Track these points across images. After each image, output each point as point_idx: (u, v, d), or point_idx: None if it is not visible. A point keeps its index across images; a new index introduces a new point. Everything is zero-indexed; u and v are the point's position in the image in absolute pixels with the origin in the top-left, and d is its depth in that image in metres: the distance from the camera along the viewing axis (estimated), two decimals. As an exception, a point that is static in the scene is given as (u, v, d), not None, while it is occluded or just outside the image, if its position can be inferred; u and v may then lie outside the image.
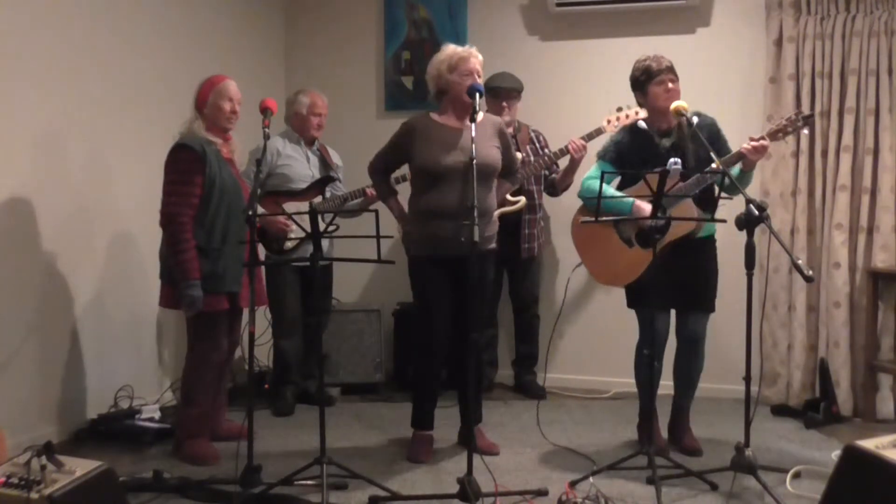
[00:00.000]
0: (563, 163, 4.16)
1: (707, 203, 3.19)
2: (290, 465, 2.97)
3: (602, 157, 3.41)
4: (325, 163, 4.17)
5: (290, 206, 3.84)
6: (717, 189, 3.01)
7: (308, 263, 3.94)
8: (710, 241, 3.35)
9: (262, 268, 3.85)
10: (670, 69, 3.27)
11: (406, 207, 3.37)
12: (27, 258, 3.37)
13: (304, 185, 4.01)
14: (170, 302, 3.28)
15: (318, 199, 4.03)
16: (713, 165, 3.04)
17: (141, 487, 2.87)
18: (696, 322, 3.31)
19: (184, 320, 3.36)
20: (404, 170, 3.56)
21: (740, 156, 3.08)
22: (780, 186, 4.21)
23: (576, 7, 4.54)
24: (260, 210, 3.82)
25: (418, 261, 3.26)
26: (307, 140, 4.14)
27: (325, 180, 4.08)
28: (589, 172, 3.43)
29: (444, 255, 3.14)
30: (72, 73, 3.54)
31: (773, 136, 3.10)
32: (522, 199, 4.11)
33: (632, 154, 3.33)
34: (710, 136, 3.22)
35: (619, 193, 3.28)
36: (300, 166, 4.06)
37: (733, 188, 3.07)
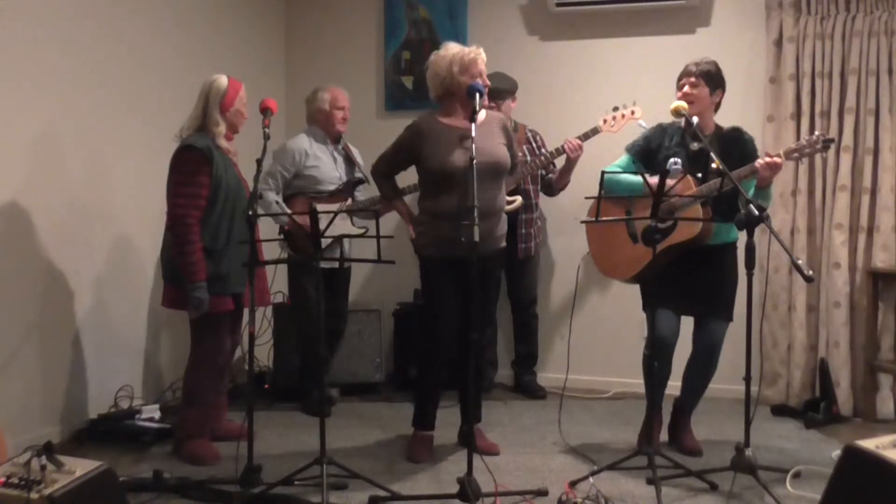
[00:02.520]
0: (560, 162, 4.17)
1: (725, 211, 3.17)
2: (290, 465, 2.97)
3: (629, 149, 3.42)
4: (350, 162, 4.17)
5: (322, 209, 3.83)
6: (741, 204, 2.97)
7: (336, 265, 3.97)
8: (730, 247, 3.33)
9: (265, 268, 3.85)
10: (692, 73, 3.25)
11: (412, 208, 3.37)
12: (27, 259, 3.37)
13: (332, 187, 4.01)
14: (173, 302, 3.28)
15: (349, 202, 4.02)
16: (713, 165, 3.03)
17: (141, 487, 2.86)
18: (714, 331, 3.29)
19: (185, 320, 3.35)
20: (413, 179, 3.55)
21: (753, 170, 3.05)
22: (780, 186, 4.21)
23: (576, 7, 4.54)
24: (284, 209, 3.83)
25: (431, 262, 3.24)
26: (333, 137, 4.12)
27: (355, 183, 4.08)
28: (616, 162, 3.42)
29: (458, 256, 3.12)
30: (70, 74, 3.54)
31: (790, 154, 3.07)
32: (518, 199, 4.10)
33: (659, 151, 3.32)
34: (743, 151, 3.20)
35: (634, 178, 3.27)
36: (328, 167, 4.04)
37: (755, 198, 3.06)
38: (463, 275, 3.11)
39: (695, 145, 3.27)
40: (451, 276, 3.18)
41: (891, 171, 3.99)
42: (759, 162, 3.04)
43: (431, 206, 3.20)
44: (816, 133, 3.08)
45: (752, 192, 3.10)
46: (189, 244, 3.14)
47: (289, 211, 3.87)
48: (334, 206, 3.70)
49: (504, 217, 3.30)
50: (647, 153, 3.35)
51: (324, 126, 4.11)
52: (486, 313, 3.48)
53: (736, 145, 3.24)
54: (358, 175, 4.14)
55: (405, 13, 4.93)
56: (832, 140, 3.08)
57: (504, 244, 3.33)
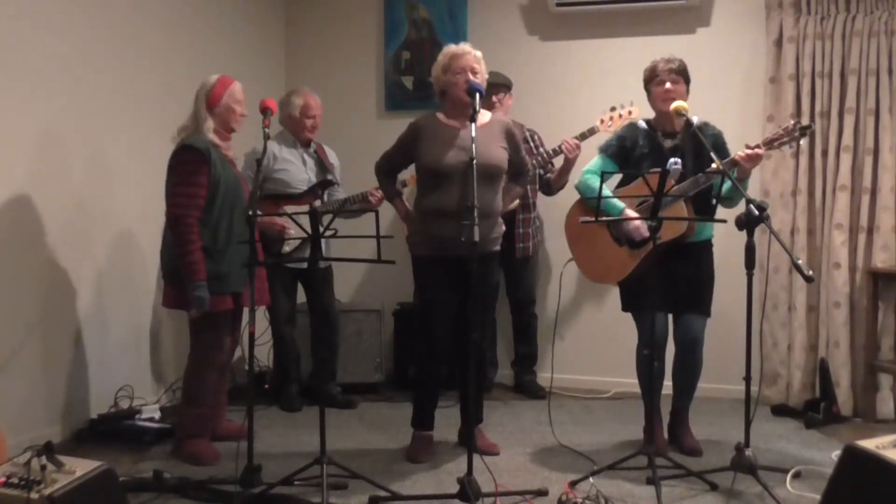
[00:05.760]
0: (559, 162, 4.17)
1: (705, 208, 3.18)
2: (290, 465, 2.97)
3: (604, 150, 3.41)
4: (321, 165, 4.15)
5: (288, 210, 3.84)
6: (716, 193, 3.01)
7: (305, 266, 3.99)
8: (706, 244, 3.35)
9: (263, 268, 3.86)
10: (673, 70, 3.25)
11: (410, 207, 3.37)
12: (28, 258, 3.37)
13: (301, 190, 4.01)
14: (173, 302, 3.28)
15: (317, 203, 4.02)
16: (713, 166, 3.04)
17: (141, 487, 2.87)
18: (692, 326, 3.30)
19: (184, 320, 3.36)
20: (405, 175, 3.55)
21: (734, 163, 3.06)
22: (780, 186, 4.21)
23: (576, 7, 4.54)
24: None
25: (422, 261, 3.25)
26: (303, 142, 4.12)
27: (324, 184, 4.08)
28: (589, 165, 3.43)
29: (446, 256, 3.13)
30: (72, 73, 3.54)
31: (769, 144, 3.08)
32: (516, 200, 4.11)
33: (634, 150, 3.33)
34: (713, 146, 3.20)
35: (610, 195, 3.28)
36: (297, 170, 4.05)
37: (730, 196, 3.07)
38: (454, 274, 3.12)
39: (668, 142, 3.27)
40: (443, 275, 3.18)
41: (891, 171, 3.99)
42: (740, 154, 3.05)
43: (424, 203, 3.20)
44: (792, 121, 3.09)
45: (728, 184, 3.09)
46: (189, 244, 3.15)
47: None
48: (303, 208, 3.70)
49: (500, 220, 3.29)
50: (622, 152, 3.36)
51: (293, 131, 4.10)
52: (484, 314, 3.47)
53: (706, 140, 3.23)
54: (328, 177, 4.13)
55: (405, 13, 4.93)
56: (809, 126, 3.08)
57: (498, 247, 3.32)
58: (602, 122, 3.97)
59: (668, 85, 3.23)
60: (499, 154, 3.19)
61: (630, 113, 3.91)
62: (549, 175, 4.31)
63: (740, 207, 2.87)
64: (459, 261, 2.98)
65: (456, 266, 3.08)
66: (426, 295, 3.26)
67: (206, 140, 3.23)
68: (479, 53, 3.18)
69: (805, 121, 4.10)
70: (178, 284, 3.22)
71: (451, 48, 3.21)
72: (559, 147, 4.03)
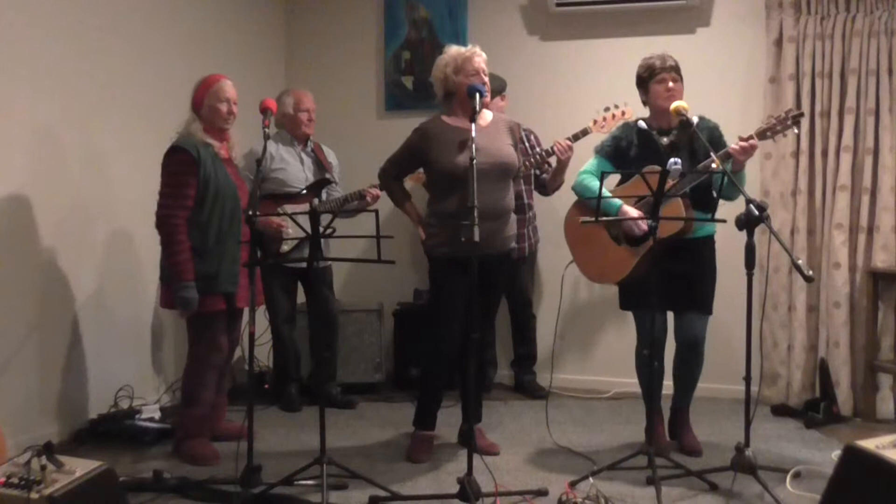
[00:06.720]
0: (555, 161, 4.17)
1: (705, 203, 3.18)
2: (290, 465, 2.97)
3: (599, 151, 3.41)
4: (319, 164, 4.16)
5: (287, 210, 3.84)
6: (717, 188, 3.02)
7: (304, 265, 3.99)
8: (707, 241, 3.34)
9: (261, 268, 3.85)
10: (673, 68, 3.25)
11: (420, 210, 3.36)
12: (27, 258, 3.37)
13: (299, 189, 4.01)
14: (169, 302, 3.28)
15: (315, 202, 4.02)
16: (713, 165, 3.04)
17: (141, 487, 2.87)
18: (694, 324, 3.30)
19: (184, 320, 3.36)
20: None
21: (728, 155, 3.07)
22: (780, 186, 4.21)
23: (576, 7, 4.54)
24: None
25: (443, 262, 3.22)
26: (300, 139, 4.13)
27: (322, 183, 4.08)
28: (585, 166, 3.42)
29: (471, 257, 3.09)
30: (70, 72, 3.54)
31: (762, 135, 3.09)
32: None
33: (629, 150, 3.33)
34: (710, 139, 3.21)
35: (608, 195, 3.28)
36: (295, 170, 4.06)
37: (730, 190, 3.07)
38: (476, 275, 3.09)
39: (665, 140, 3.27)
40: (462, 277, 3.16)
41: (891, 171, 3.99)
42: (734, 146, 3.06)
43: (442, 207, 3.18)
44: (786, 109, 3.10)
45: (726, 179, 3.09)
46: (175, 244, 3.16)
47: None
48: (301, 207, 3.68)
49: (513, 218, 3.29)
50: (617, 152, 3.35)
51: (290, 129, 4.12)
52: (491, 314, 3.46)
53: (701, 133, 3.23)
54: (326, 176, 4.12)
55: (405, 13, 4.93)
56: (801, 114, 3.09)
57: (514, 245, 3.32)
58: (595, 122, 3.97)
59: (670, 84, 3.23)
60: (509, 151, 3.20)
61: (623, 113, 3.91)
62: (544, 175, 4.31)
63: (740, 206, 2.86)
64: (481, 262, 2.94)
65: (479, 266, 3.04)
66: (445, 295, 3.22)
67: (196, 140, 3.24)
68: (484, 55, 3.20)
69: (805, 122, 4.10)
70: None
71: (460, 49, 3.20)
72: (551, 148, 4.02)
